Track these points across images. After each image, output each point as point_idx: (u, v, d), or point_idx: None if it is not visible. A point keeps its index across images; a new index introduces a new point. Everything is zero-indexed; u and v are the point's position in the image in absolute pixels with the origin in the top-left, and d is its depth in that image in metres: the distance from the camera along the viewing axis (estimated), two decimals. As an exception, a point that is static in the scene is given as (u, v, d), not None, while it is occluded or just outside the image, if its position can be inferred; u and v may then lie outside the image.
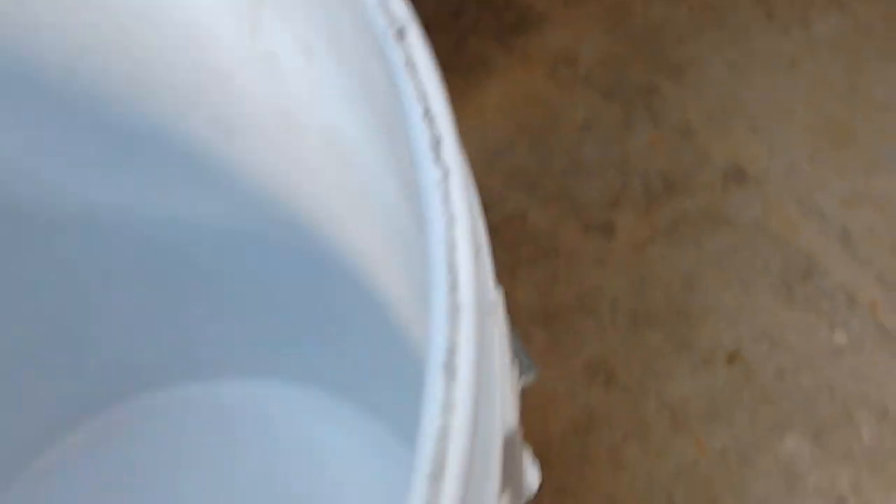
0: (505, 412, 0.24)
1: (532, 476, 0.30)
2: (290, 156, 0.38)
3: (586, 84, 0.61)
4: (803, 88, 0.60)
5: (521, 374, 0.28)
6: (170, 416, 0.51)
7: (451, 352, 0.19)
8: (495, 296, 0.26)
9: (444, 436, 0.18)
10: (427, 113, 0.22)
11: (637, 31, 0.63)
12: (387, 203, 0.34)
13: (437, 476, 0.18)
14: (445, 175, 0.22)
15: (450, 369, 0.19)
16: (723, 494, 0.50)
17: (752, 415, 0.52)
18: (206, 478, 0.49)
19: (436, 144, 0.22)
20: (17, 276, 0.45)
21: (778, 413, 0.52)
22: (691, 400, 0.52)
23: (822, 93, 0.59)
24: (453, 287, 0.20)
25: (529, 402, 0.53)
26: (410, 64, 0.23)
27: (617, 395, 0.53)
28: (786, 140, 0.58)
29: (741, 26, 0.62)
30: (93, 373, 0.52)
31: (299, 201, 0.40)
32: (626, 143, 0.59)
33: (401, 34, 0.23)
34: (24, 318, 0.48)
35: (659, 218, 0.57)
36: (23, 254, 0.44)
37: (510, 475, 0.26)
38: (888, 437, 0.50)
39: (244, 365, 0.51)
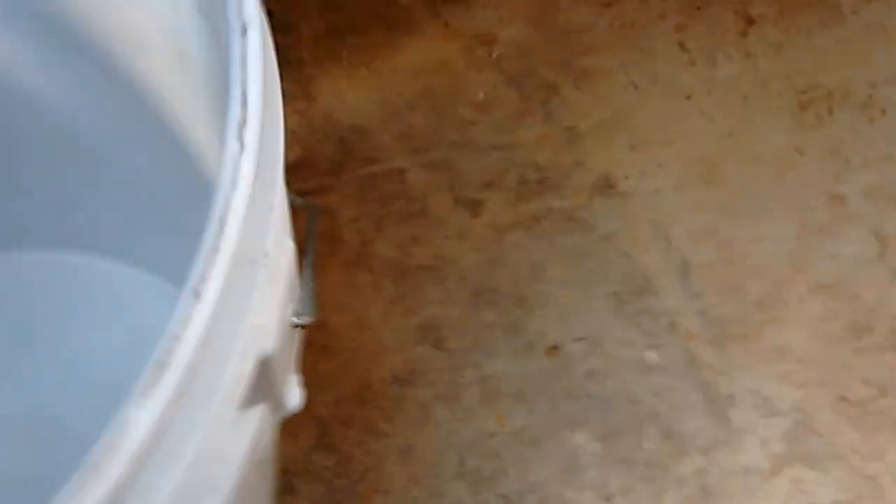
0: (262, 340, 0.28)
1: (294, 397, 0.34)
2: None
3: (496, 68, 0.64)
4: (689, 122, 0.64)
5: (298, 313, 0.32)
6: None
7: (200, 281, 0.23)
8: (279, 250, 0.29)
9: (175, 340, 0.22)
10: (243, 97, 0.25)
11: (556, 31, 0.66)
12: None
13: (160, 368, 0.22)
14: (241, 150, 0.25)
15: (196, 293, 0.23)
16: (508, 468, 0.55)
17: (553, 404, 0.56)
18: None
19: (242, 125, 0.25)
20: None
21: (577, 408, 0.56)
22: (504, 379, 0.57)
23: (705, 130, 0.63)
24: (219, 234, 0.24)
25: (359, 346, 0.57)
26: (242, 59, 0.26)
27: (440, 358, 0.57)
28: (659, 165, 0.62)
29: (653, 49, 0.66)
30: None
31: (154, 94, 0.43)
32: (515, 132, 0.62)
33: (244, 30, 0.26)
34: None
35: (525, 208, 0.60)
36: None
37: (266, 391, 0.30)
38: (666, 454, 0.56)
39: (61, 237, 0.53)
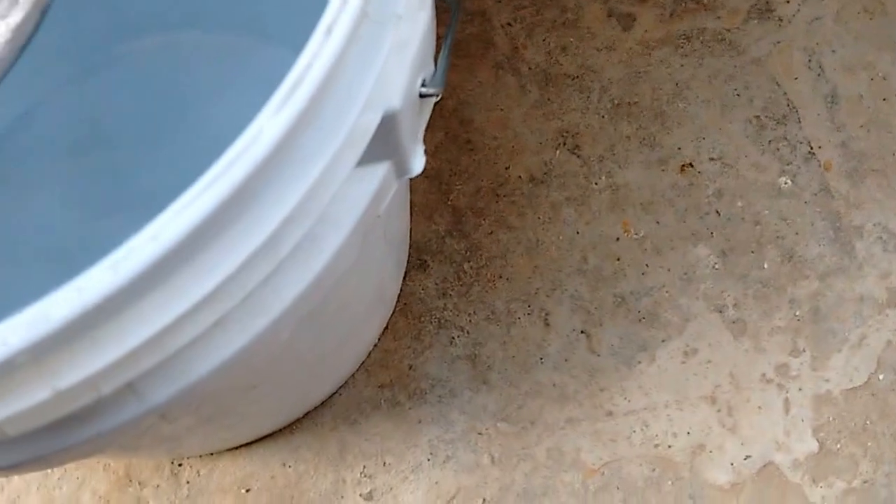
0: (389, 96, 0.32)
1: (417, 162, 0.38)
2: None
3: None
4: (863, -51, 0.61)
5: (427, 82, 0.35)
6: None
7: (333, 23, 0.27)
8: (411, 19, 0.32)
9: (307, 68, 0.26)
10: None
11: None
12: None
13: (292, 89, 0.26)
14: None
15: (328, 31, 0.27)
16: (627, 270, 0.58)
17: (679, 217, 0.59)
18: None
19: None
20: None
21: (702, 223, 0.58)
22: (635, 189, 0.59)
23: (879, -40, 0.61)
24: None
25: (500, 144, 0.60)
26: None
27: (575, 163, 0.60)
28: (823, -7, 0.61)
29: None
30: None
31: None
32: (676, -53, 0.62)
33: None
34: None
35: (677, 26, 0.61)
36: None
37: (390, 150, 0.34)
38: (784, 275, 0.57)
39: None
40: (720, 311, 0.57)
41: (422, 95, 0.35)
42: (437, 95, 0.35)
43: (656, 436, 0.55)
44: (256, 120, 0.25)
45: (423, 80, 0.35)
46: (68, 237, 0.53)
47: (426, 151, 0.37)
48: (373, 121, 0.31)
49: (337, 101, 0.28)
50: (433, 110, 0.36)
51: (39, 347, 0.25)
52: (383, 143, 0.32)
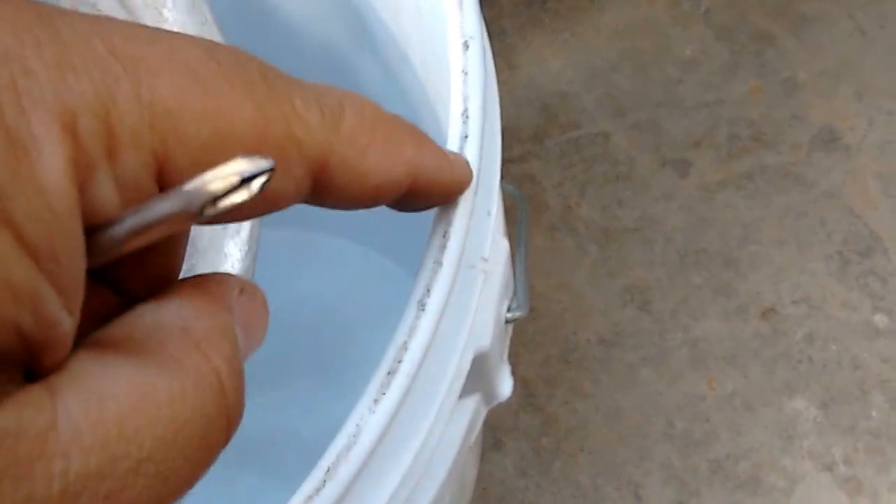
0: (479, 337, 0.29)
1: (506, 386, 0.35)
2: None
3: (704, 21, 0.62)
4: (925, 66, 0.58)
5: (512, 308, 0.33)
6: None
7: (425, 294, 0.24)
8: (496, 251, 0.30)
9: (403, 350, 0.24)
10: (465, 112, 0.27)
11: (770, -23, 0.62)
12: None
13: (390, 377, 0.24)
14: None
15: (421, 305, 0.24)
16: (719, 433, 0.53)
17: (769, 369, 0.54)
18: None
19: (463, 139, 0.26)
20: None
21: (795, 373, 0.54)
22: (715, 342, 0.55)
23: (944, 75, 0.58)
24: (442, 247, 0.25)
25: (564, 308, 0.57)
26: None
27: (646, 320, 0.56)
28: (889, 114, 0.57)
29: (881, -10, 0.60)
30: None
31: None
32: (725, 88, 0.60)
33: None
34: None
35: (736, 166, 0.58)
36: None
37: (480, 383, 0.32)
38: (895, 423, 0.52)
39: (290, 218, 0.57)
40: (830, 470, 0.51)
41: (507, 321, 0.32)
42: (524, 315, 0.33)
43: None
44: (355, 413, 0.23)
45: (509, 306, 0.32)
46: None
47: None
48: (464, 366, 0.28)
49: (431, 369, 0.26)
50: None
51: None
52: (472, 380, 0.30)
